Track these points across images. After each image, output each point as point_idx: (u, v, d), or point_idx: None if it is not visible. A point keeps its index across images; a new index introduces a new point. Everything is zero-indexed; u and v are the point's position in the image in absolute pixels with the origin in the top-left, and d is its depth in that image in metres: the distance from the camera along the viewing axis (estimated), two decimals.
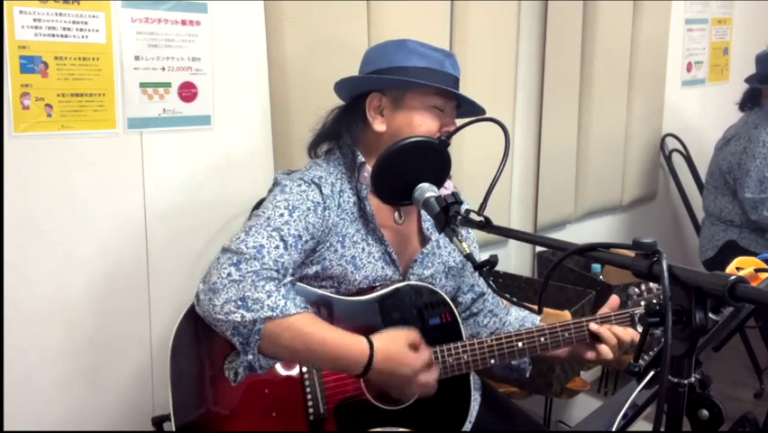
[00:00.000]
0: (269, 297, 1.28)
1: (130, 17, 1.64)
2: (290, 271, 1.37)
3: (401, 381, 1.36)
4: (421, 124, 1.47)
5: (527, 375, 1.67)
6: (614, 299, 1.56)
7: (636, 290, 1.56)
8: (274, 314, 1.27)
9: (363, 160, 1.50)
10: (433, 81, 1.45)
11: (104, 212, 1.68)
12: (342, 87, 1.54)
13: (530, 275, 2.72)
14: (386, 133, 1.49)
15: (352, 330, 1.36)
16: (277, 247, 1.34)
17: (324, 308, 1.44)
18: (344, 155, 1.54)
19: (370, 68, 1.51)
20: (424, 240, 1.59)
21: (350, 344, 1.32)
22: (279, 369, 1.40)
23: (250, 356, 1.30)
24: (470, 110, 1.56)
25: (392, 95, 1.48)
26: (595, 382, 2.80)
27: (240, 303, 1.26)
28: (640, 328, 1.49)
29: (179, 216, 1.79)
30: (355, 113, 1.52)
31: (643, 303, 1.54)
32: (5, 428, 1.56)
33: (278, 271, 1.33)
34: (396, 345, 1.35)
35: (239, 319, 1.26)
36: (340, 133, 1.55)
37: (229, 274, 1.29)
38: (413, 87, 1.46)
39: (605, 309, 1.54)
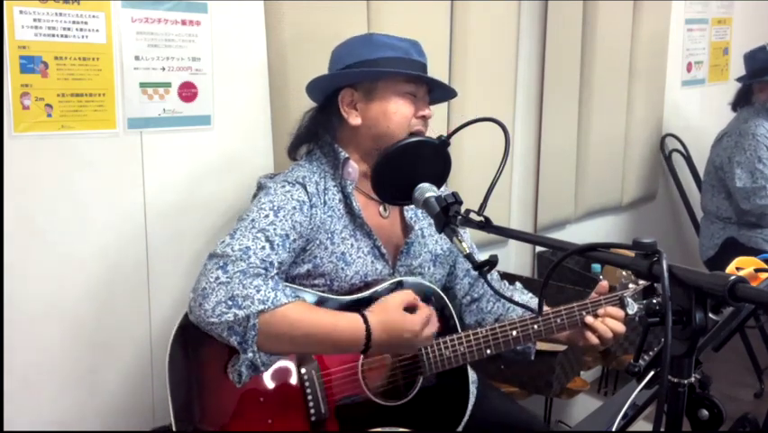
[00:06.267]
0: (258, 291, 1.28)
1: (130, 17, 1.64)
2: (278, 268, 1.37)
3: (405, 345, 1.38)
4: (395, 111, 1.48)
5: (532, 358, 1.68)
6: (602, 285, 1.57)
7: (624, 273, 1.58)
8: (266, 307, 1.27)
9: (347, 156, 1.51)
10: (401, 69, 1.47)
11: (103, 212, 1.67)
12: (313, 87, 1.55)
13: (530, 275, 2.72)
14: (362, 125, 1.50)
15: None
16: (263, 248, 1.35)
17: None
18: (325, 154, 1.55)
19: (339, 65, 1.52)
20: (407, 230, 1.60)
21: (346, 324, 1.34)
22: (279, 371, 1.40)
23: (250, 354, 1.29)
24: (443, 95, 1.58)
25: (364, 87, 1.49)
26: (595, 382, 2.80)
27: (230, 303, 1.26)
28: (630, 310, 1.49)
29: (179, 216, 1.79)
30: (330, 111, 1.53)
31: (631, 286, 1.56)
32: (5, 428, 1.56)
33: (265, 268, 1.33)
34: (391, 314, 1.36)
35: (232, 318, 1.26)
36: (317, 134, 1.56)
37: (217, 278, 1.29)
38: (382, 76, 1.48)
39: (594, 295, 1.55)
